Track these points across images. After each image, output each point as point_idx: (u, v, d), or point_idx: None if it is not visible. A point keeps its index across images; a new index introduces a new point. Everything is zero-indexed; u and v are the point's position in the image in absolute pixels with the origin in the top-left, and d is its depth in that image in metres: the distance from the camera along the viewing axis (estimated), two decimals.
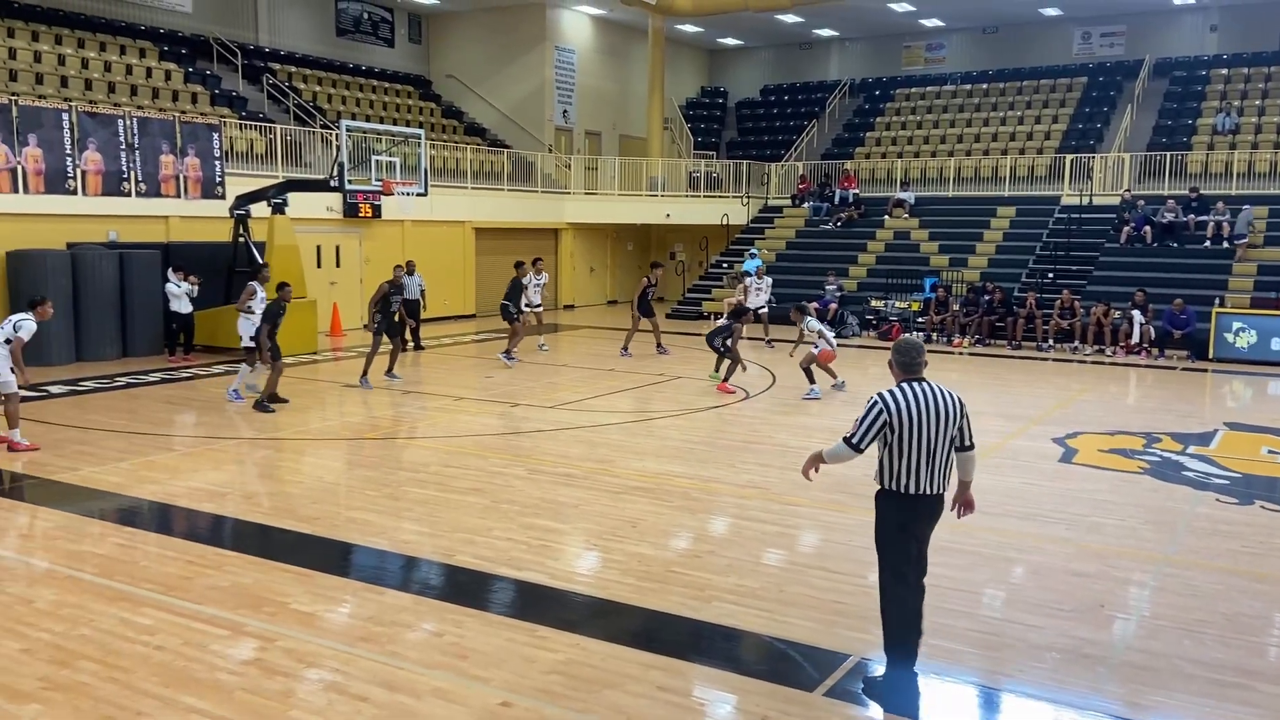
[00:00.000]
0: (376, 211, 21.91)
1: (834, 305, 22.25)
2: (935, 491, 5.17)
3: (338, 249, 21.91)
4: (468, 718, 4.89)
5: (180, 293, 16.86)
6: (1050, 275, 22.00)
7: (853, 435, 5.19)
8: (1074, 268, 22.23)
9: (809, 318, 14.40)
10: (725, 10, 28.54)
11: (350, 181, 17.89)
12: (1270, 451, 11.07)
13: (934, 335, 20.82)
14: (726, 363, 14.69)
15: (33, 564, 7.09)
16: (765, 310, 20.30)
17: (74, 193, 16.81)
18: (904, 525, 5.24)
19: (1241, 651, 5.76)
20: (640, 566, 7.04)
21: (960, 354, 19.36)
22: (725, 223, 28.32)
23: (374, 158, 18.69)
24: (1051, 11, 29.84)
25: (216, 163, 18.83)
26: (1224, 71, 28.05)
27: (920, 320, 21.42)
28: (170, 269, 17.04)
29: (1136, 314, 19.01)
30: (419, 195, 19.60)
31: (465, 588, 6.73)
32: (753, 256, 23.58)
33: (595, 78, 30.98)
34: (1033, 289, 21.27)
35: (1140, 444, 11.22)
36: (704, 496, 8.94)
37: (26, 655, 5.51)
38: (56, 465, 9.76)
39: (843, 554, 7.34)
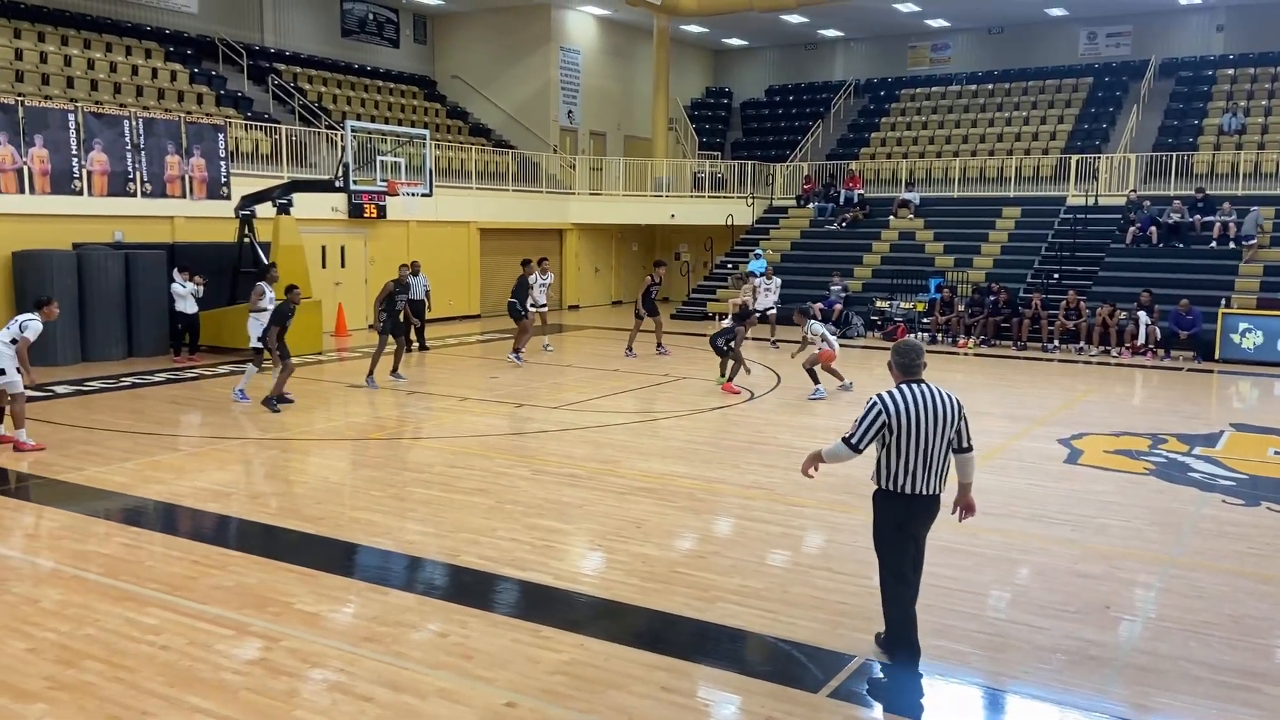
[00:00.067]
0: (381, 212, 21.94)
1: (839, 306, 22.23)
2: (932, 492, 5.23)
3: (343, 249, 21.93)
4: (472, 718, 4.89)
5: (185, 293, 16.89)
6: (1056, 276, 21.96)
7: (852, 435, 5.22)
8: (1079, 268, 22.19)
9: (811, 321, 14.42)
10: (730, 10, 28.52)
11: (355, 182, 17.92)
12: (1277, 453, 11.03)
13: (939, 336, 20.80)
14: (730, 364, 14.68)
15: (38, 564, 7.10)
16: (773, 311, 20.30)
17: (80, 193, 16.85)
18: (901, 525, 5.30)
19: (1248, 654, 5.74)
20: (644, 567, 7.04)
21: (965, 355, 19.34)
22: (730, 223, 28.32)
23: (379, 158, 18.70)
24: (1057, 11, 29.78)
25: (222, 163, 18.87)
26: (1230, 71, 27.97)
27: (925, 321, 21.39)
28: (175, 269, 17.07)
29: (1142, 315, 18.98)
30: (424, 196, 19.62)
31: (470, 588, 6.73)
32: (758, 257, 23.58)
33: (600, 78, 30.99)
34: (1038, 290, 21.24)
35: (1146, 445, 11.20)
36: (708, 497, 8.94)
37: (32, 655, 5.52)
38: (62, 465, 9.78)
39: (847, 554, 7.34)
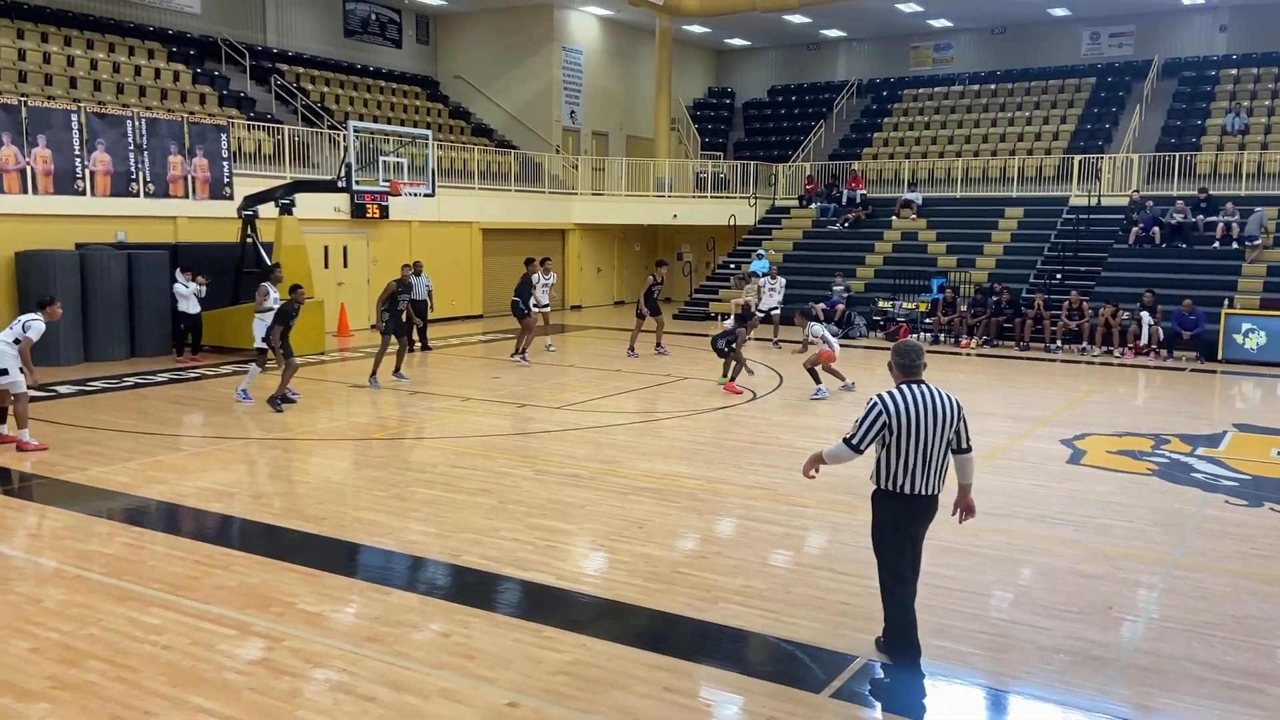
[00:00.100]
0: (384, 212, 21.95)
1: (841, 306, 22.22)
2: (931, 492, 5.27)
3: (345, 249, 21.95)
4: (474, 718, 4.90)
5: (188, 293, 16.91)
6: (1058, 276, 21.94)
7: (852, 436, 5.24)
8: (1082, 268, 22.17)
9: (811, 322, 14.46)
10: (732, 10, 28.52)
11: (358, 182, 17.93)
12: (1279, 453, 11.03)
13: (941, 336, 20.79)
14: (732, 364, 14.69)
15: (41, 563, 7.11)
16: (778, 311, 20.30)
17: (82, 193, 16.87)
18: (900, 525, 5.33)
19: (1251, 654, 5.73)
20: (647, 567, 7.04)
21: (968, 355, 19.33)
22: (732, 223, 28.31)
23: (381, 158, 18.72)
24: (1060, 12, 29.76)
25: (224, 163, 18.89)
26: (1233, 72, 27.94)
27: (928, 321, 21.38)
28: (178, 269, 17.09)
29: (1145, 315, 18.96)
30: (426, 196, 19.64)
31: (472, 588, 6.73)
32: (760, 257, 23.58)
33: (602, 78, 30.99)
34: (1041, 290, 21.22)
35: (1149, 445, 11.18)
36: (710, 497, 8.94)
37: (35, 654, 5.53)
38: (65, 465, 9.79)
39: (849, 555, 7.33)
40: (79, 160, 16.74)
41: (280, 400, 12.61)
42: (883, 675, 5.40)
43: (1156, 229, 22.01)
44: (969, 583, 6.76)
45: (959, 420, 5.25)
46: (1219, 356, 18.28)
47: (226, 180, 18.90)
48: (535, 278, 17.79)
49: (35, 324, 10.43)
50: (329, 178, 19.09)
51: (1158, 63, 28.85)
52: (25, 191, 16.13)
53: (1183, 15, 29.51)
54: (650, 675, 5.35)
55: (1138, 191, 23.85)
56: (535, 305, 17.98)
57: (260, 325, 13.14)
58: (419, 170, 19.54)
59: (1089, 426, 12.16)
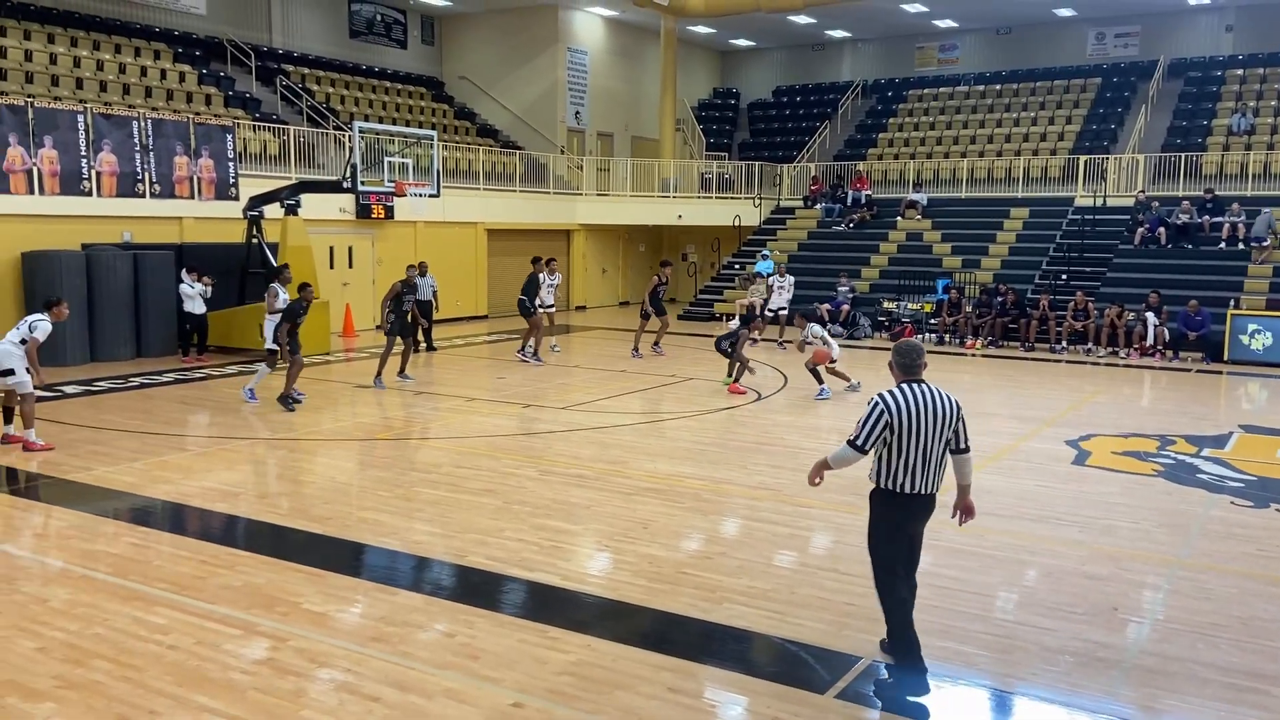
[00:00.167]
0: (389, 213, 21.98)
1: (846, 306, 22.20)
2: (930, 491, 5.31)
3: (350, 250, 21.98)
4: (479, 718, 4.90)
5: (194, 293, 16.93)
6: (1064, 277, 21.90)
7: (856, 437, 5.27)
8: (1088, 269, 22.13)
9: (811, 324, 14.49)
10: (737, 11, 28.50)
11: (363, 183, 17.96)
12: None
13: (946, 337, 20.77)
14: (736, 365, 14.70)
15: (47, 563, 7.13)
16: (785, 311, 20.30)
17: (89, 194, 16.91)
18: (899, 524, 5.37)
19: (1256, 655, 5.72)
20: (651, 568, 7.04)
21: (973, 355, 19.30)
22: (737, 224, 28.29)
23: (386, 159, 18.74)
24: (1065, 12, 29.72)
25: (230, 164, 18.92)
26: (1239, 72, 27.89)
27: (933, 321, 21.36)
28: (184, 270, 17.12)
29: (1150, 316, 18.92)
30: (431, 196, 19.66)
31: (477, 588, 6.74)
32: (765, 258, 23.57)
33: (607, 79, 31.00)
34: (1046, 290, 21.18)
35: (1154, 446, 11.16)
36: (715, 498, 8.94)
37: (41, 654, 5.54)
38: (71, 465, 9.82)
39: (854, 555, 7.31)
40: (85, 161, 16.79)
41: (290, 399, 12.65)
42: (887, 676, 5.40)
43: (1162, 229, 21.97)
44: (973, 584, 6.75)
45: (958, 420, 5.28)
46: (1225, 357, 18.24)
47: (232, 181, 18.93)
48: (541, 277, 17.80)
49: (42, 324, 10.46)
50: (334, 178, 19.12)
51: (1163, 63, 28.80)
52: (31, 192, 16.18)
53: (1188, 15, 29.45)
54: (655, 676, 5.35)
55: (1143, 192, 23.81)
56: (540, 305, 17.99)
57: (271, 326, 13.18)
58: (424, 171, 19.55)
59: (1094, 427, 12.14)
